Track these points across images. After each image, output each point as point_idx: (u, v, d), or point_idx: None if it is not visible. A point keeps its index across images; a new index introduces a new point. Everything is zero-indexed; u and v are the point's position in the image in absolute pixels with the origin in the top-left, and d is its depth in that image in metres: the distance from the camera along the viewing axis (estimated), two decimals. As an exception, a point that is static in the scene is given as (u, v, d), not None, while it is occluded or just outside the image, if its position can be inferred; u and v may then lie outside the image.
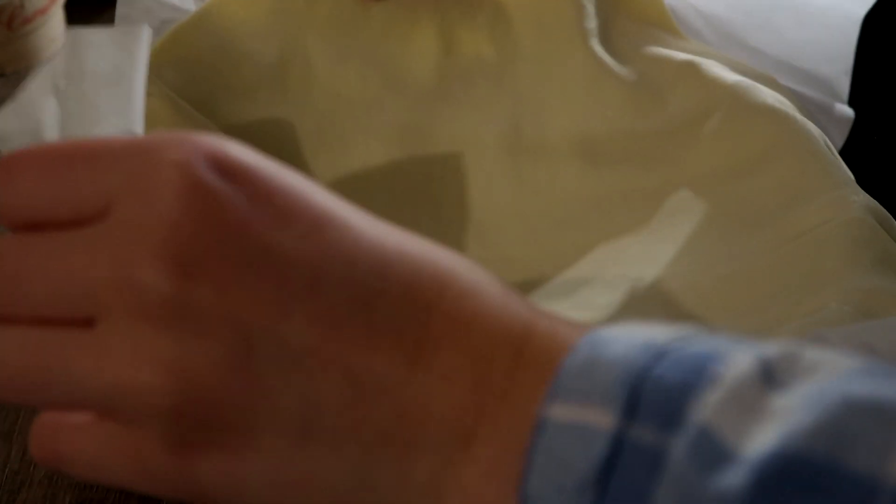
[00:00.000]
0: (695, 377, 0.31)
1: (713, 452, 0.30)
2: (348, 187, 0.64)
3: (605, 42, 0.66)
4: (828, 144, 0.61)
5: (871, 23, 0.64)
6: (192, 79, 0.65)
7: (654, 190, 0.63)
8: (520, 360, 0.34)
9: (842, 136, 0.66)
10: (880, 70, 0.68)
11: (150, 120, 0.60)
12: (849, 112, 0.65)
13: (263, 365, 0.33)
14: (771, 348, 0.32)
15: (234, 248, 0.33)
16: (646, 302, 0.58)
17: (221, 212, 0.33)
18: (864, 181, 0.61)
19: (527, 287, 0.61)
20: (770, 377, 0.31)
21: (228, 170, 0.34)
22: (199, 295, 0.33)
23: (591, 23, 0.66)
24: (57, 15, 0.72)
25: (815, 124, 0.63)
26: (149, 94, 0.60)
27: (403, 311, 0.34)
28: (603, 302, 0.59)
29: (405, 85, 0.66)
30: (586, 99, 0.65)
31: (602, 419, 0.31)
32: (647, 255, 0.61)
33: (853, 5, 0.66)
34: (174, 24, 0.66)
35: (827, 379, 0.30)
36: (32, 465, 0.55)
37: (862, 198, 0.59)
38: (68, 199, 0.34)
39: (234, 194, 0.33)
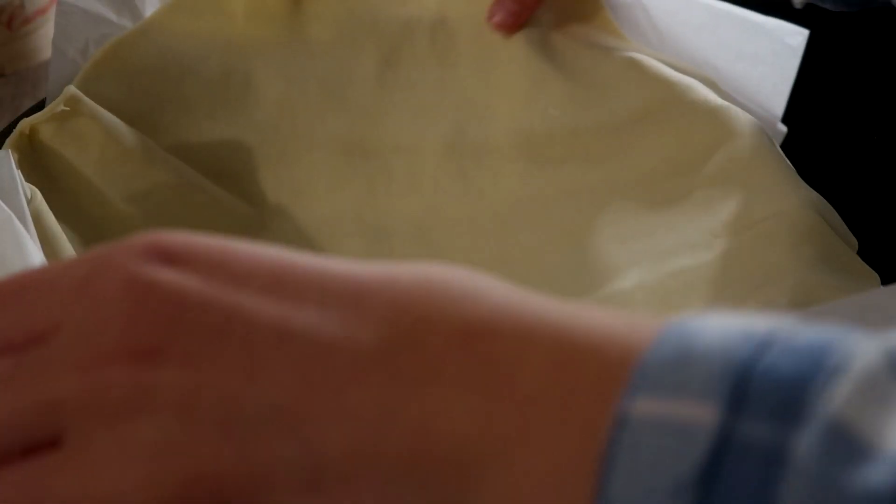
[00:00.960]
0: (812, 369, 0.28)
1: (850, 448, 0.27)
2: (292, 201, 0.64)
3: (546, 42, 0.67)
4: (770, 139, 0.62)
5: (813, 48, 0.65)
6: (132, 93, 0.64)
7: (599, 187, 0.63)
8: (554, 358, 0.31)
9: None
10: (818, 93, 0.68)
11: (78, 142, 0.61)
12: (782, 128, 0.65)
13: (250, 420, 0.31)
14: (893, 339, 0.29)
15: (191, 323, 0.32)
16: (597, 301, 0.58)
17: (168, 295, 0.32)
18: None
19: None
20: None
21: (168, 255, 0.33)
22: (167, 376, 0.31)
23: (532, 25, 0.67)
24: (57, 15, 0.71)
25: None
26: (78, 115, 0.61)
27: (391, 335, 0.32)
28: None
29: (346, 97, 0.66)
30: (527, 99, 0.65)
31: (701, 414, 0.28)
32: (593, 253, 0.61)
33: (793, 31, 0.66)
34: (113, 38, 0.66)
35: None
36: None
37: (804, 192, 0.59)
38: (19, 325, 0.33)
39: (179, 276, 0.32)
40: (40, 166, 0.60)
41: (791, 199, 0.58)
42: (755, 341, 0.29)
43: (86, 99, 0.61)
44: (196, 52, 0.66)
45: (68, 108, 0.61)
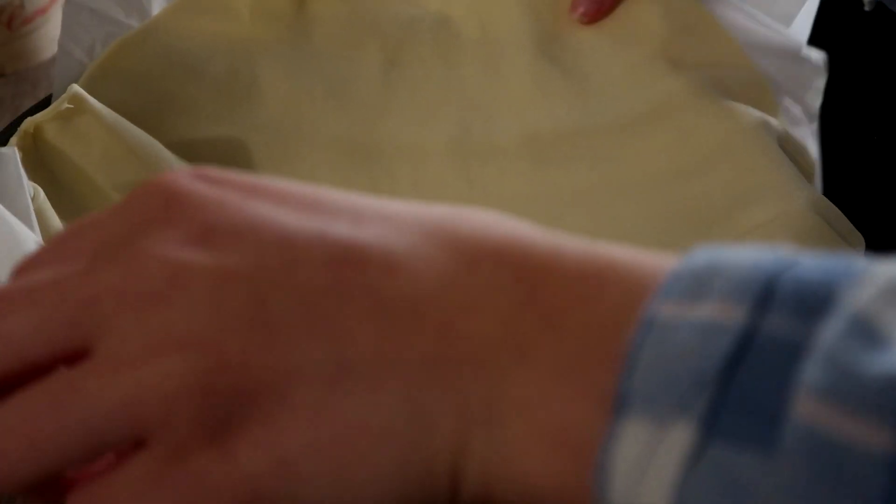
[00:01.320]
0: (839, 275, 0.29)
1: (871, 338, 0.27)
2: None
3: (552, 43, 0.67)
4: (774, 139, 0.62)
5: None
6: (137, 92, 0.64)
7: (604, 187, 0.63)
8: (584, 271, 0.31)
9: (819, 88, 0.66)
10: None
11: (82, 140, 0.61)
12: (818, 58, 0.65)
13: (279, 314, 0.31)
14: None
15: (232, 221, 0.32)
16: None
17: (213, 201, 0.33)
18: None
19: None
20: None
21: (212, 178, 0.34)
22: (202, 258, 0.32)
23: (537, 25, 0.67)
24: (57, 15, 0.71)
25: (788, 90, 0.64)
26: (82, 113, 0.61)
27: (422, 242, 0.32)
28: None
29: (351, 97, 0.67)
30: (533, 100, 0.66)
31: (729, 314, 0.29)
32: None
33: None
34: (118, 38, 0.66)
35: None
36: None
37: (806, 192, 0.59)
38: (65, 258, 0.34)
39: (221, 190, 0.33)
40: (44, 165, 0.60)
41: (793, 200, 0.58)
42: (784, 258, 0.30)
43: (89, 98, 0.61)
44: (201, 52, 0.66)
45: (72, 107, 0.61)
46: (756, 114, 0.62)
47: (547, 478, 0.31)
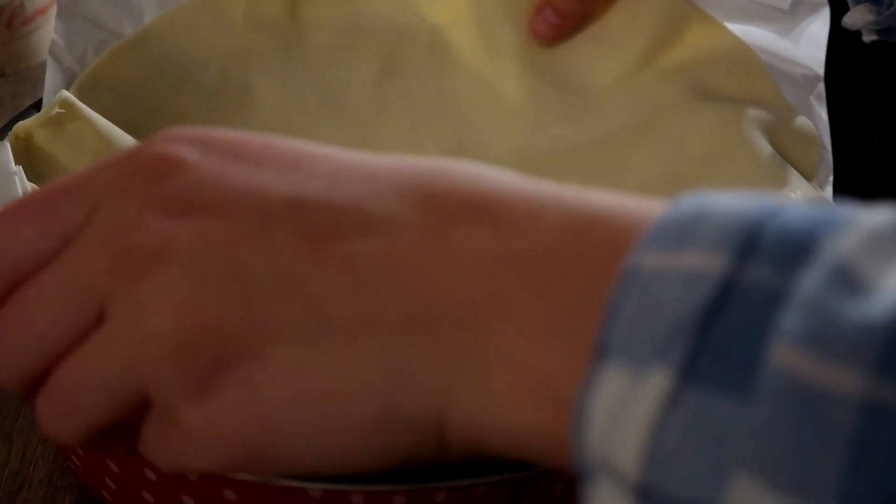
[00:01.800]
0: (823, 224, 0.29)
1: (851, 286, 0.27)
2: None
3: (541, 56, 0.67)
4: (776, 140, 0.61)
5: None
6: (129, 100, 0.64)
7: None
8: (567, 225, 0.32)
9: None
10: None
11: (73, 146, 0.61)
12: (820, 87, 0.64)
13: (255, 282, 0.33)
14: None
15: (211, 193, 0.34)
16: None
17: (193, 169, 0.34)
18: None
19: None
20: None
21: (195, 140, 0.35)
22: (182, 233, 0.33)
23: (527, 38, 0.66)
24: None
25: (790, 86, 0.63)
26: (73, 119, 0.61)
27: (401, 205, 0.33)
28: None
29: (344, 106, 0.67)
30: (526, 116, 0.66)
31: (710, 262, 0.29)
32: None
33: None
34: (110, 46, 0.65)
35: None
36: (32, 465, 0.55)
37: (800, 195, 0.58)
38: (56, 225, 0.35)
39: (205, 155, 0.35)
40: (35, 170, 0.60)
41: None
42: (769, 206, 0.30)
43: (80, 104, 0.61)
44: (194, 60, 0.66)
45: (63, 111, 0.61)
46: (749, 114, 0.62)
47: (531, 426, 0.31)
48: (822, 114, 0.62)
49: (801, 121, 0.62)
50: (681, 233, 0.30)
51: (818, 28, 0.64)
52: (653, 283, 0.29)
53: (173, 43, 0.66)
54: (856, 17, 0.64)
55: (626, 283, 0.29)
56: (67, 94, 0.61)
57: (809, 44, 0.64)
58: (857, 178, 0.63)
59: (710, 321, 0.28)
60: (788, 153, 0.61)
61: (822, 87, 0.63)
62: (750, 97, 0.63)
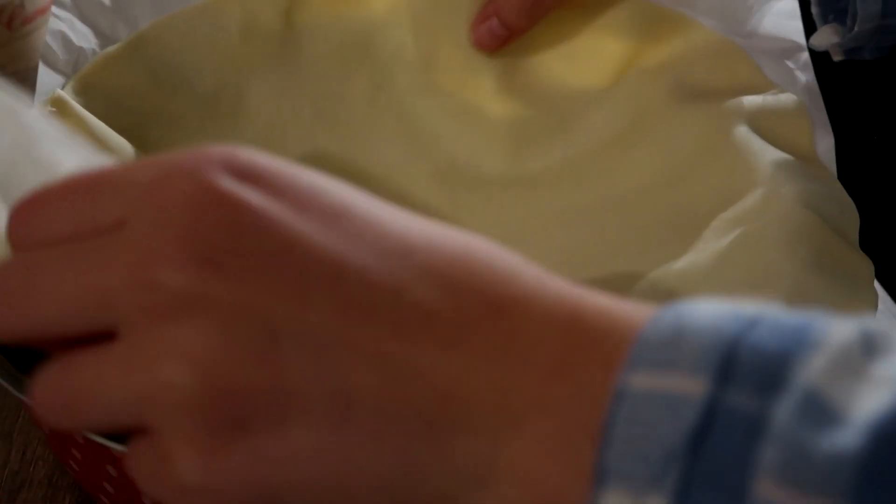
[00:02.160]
0: (794, 344, 0.31)
1: (822, 414, 0.29)
2: None
3: (528, 74, 0.67)
4: (766, 124, 0.61)
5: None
6: (121, 106, 0.64)
7: (590, 206, 0.63)
8: (570, 338, 0.33)
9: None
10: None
11: None
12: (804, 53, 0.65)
13: (290, 354, 0.32)
14: (867, 322, 0.31)
15: (253, 242, 0.33)
16: None
17: (237, 210, 0.33)
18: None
19: None
20: (871, 347, 0.30)
21: (241, 171, 0.34)
22: (219, 287, 0.32)
23: (499, 61, 0.67)
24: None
25: (780, 74, 0.63)
26: (65, 117, 0.60)
27: (432, 297, 0.33)
28: None
29: (338, 120, 0.67)
30: (516, 132, 0.66)
31: (693, 386, 0.31)
32: (588, 266, 0.61)
33: None
34: (102, 52, 0.65)
35: None
36: (32, 464, 0.55)
37: (791, 188, 0.58)
38: (86, 218, 0.34)
39: (249, 193, 0.33)
40: None
41: (781, 199, 0.58)
42: (743, 320, 0.31)
43: (72, 101, 0.61)
44: (189, 67, 0.66)
45: (55, 110, 0.61)
46: (735, 105, 0.62)
47: None
48: (809, 79, 0.62)
49: (788, 98, 0.63)
50: (663, 352, 0.31)
51: (788, 1, 0.64)
52: (641, 405, 0.31)
53: (168, 49, 0.65)
54: (821, 39, 0.64)
55: (617, 406, 0.31)
56: (60, 93, 0.61)
57: (783, 16, 0.64)
58: (857, 178, 0.63)
59: (697, 446, 0.30)
60: (781, 134, 0.62)
61: (806, 56, 0.63)
62: (734, 84, 0.64)
